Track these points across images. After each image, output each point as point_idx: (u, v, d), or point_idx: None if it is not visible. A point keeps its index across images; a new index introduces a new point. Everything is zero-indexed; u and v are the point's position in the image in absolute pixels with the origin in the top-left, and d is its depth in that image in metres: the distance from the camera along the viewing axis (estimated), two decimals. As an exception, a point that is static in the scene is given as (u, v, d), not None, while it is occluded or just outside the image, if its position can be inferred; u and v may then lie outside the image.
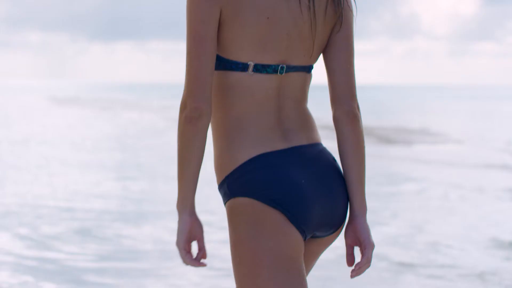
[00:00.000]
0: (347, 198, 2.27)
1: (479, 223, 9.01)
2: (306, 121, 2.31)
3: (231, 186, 2.19)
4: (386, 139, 22.08)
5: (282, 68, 2.23)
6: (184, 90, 2.17)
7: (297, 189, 2.17)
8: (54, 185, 11.53)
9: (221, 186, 2.23)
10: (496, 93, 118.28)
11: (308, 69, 2.30)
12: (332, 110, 2.33)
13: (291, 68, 2.25)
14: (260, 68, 2.22)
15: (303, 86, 2.30)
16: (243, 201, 2.17)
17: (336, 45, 2.29)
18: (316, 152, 2.26)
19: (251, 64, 2.21)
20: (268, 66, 2.22)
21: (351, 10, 2.34)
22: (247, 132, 2.22)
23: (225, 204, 2.22)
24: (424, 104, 61.44)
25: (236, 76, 2.21)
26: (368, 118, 35.46)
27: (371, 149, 19.06)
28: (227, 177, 2.20)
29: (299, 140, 2.25)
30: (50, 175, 12.71)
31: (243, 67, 2.21)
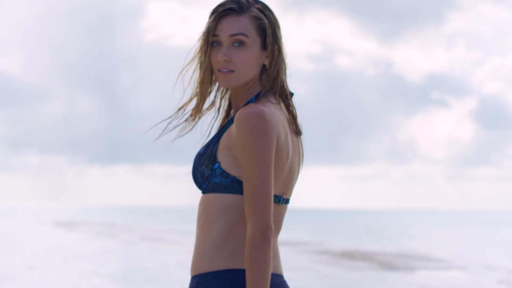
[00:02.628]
0: None
1: None
2: (278, 251, 2.45)
3: (200, 284, 2.35)
4: (388, 265, 21.98)
5: (286, 200, 2.44)
6: (262, 218, 2.28)
7: None
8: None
9: (192, 279, 2.39)
10: (494, 218, 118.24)
11: (289, 202, 2.47)
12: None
13: (286, 201, 2.44)
14: (283, 200, 2.41)
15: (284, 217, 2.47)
16: None
17: None
18: (280, 283, 2.41)
19: (282, 197, 2.41)
20: (283, 198, 2.41)
21: None
22: (239, 246, 2.35)
23: None
24: (424, 229, 61.34)
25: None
26: (369, 243, 35.37)
27: (373, 275, 18.94)
28: (200, 275, 2.36)
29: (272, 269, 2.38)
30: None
31: (278, 199, 2.39)
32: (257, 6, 2.46)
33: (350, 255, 25.96)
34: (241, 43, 2.42)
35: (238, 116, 2.33)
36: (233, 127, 2.38)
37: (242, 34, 2.41)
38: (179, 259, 22.50)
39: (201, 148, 2.47)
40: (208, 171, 2.43)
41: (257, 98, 2.44)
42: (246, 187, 2.33)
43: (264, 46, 2.45)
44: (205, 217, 2.43)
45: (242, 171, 2.35)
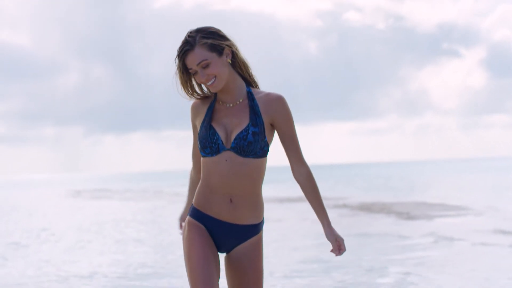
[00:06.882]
0: None
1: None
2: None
3: (262, 228, 3.74)
4: (406, 215, 22.46)
5: None
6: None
7: None
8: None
9: (258, 225, 3.72)
10: (508, 164, 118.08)
11: None
12: None
13: None
14: None
15: None
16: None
17: None
18: None
19: None
20: None
21: None
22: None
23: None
24: (440, 178, 61.63)
25: None
26: (385, 195, 35.88)
27: (393, 224, 19.44)
28: (263, 220, 3.75)
29: None
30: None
31: None
32: (200, 35, 3.55)
33: (368, 208, 26.40)
34: (206, 65, 3.54)
35: (281, 99, 3.63)
36: (272, 108, 3.61)
37: (201, 60, 3.53)
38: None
39: (255, 128, 3.56)
40: (262, 143, 3.59)
41: (250, 88, 3.68)
42: (294, 143, 3.67)
43: (220, 53, 3.56)
44: (256, 175, 3.62)
45: (288, 134, 3.65)
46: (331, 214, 24.18)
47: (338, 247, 3.65)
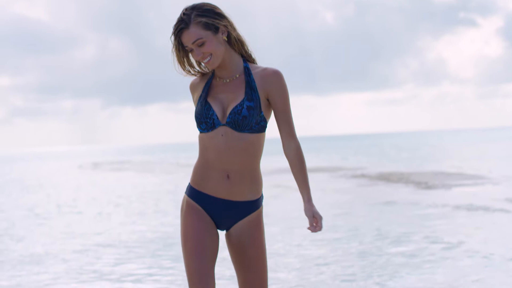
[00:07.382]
0: None
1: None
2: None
3: (261, 203, 3.69)
4: (425, 184, 22.48)
5: None
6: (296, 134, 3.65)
7: None
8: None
9: (257, 200, 3.67)
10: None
11: None
12: None
13: None
14: None
15: None
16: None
17: None
18: None
19: None
20: None
21: None
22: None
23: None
24: (457, 147, 61.48)
25: None
26: (403, 165, 35.87)
27: (412, 194, 19.48)
28: (261, 195, 3.70)
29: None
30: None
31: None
32: (195, 13, 3.53)
33: (386, 178, 26.40)
34: (201, 44, 3.54)
35: (277, 74, 3.58)
36: (268, 83, 3.57)
37: (197, 39, 3.53)
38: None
39: (250, 103, 3.54)
40: (258, 118, 3.56)
41: (247, 63, 3.65)
42: (287, 118, 3.62)
43: (215, 30, 3.55)
44: (254, 150, 3.59)
45: (281, 108, 3.60)
46: (350, 184, 24.26)
47: (315, 224, 3.61)
